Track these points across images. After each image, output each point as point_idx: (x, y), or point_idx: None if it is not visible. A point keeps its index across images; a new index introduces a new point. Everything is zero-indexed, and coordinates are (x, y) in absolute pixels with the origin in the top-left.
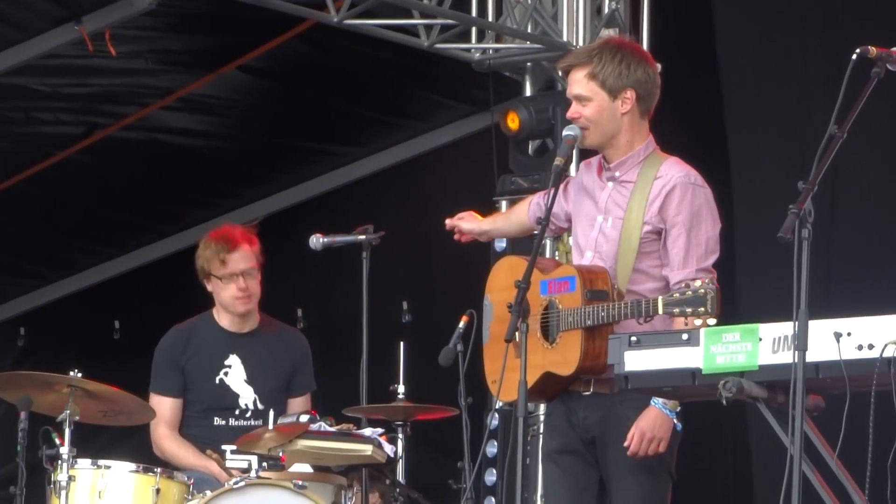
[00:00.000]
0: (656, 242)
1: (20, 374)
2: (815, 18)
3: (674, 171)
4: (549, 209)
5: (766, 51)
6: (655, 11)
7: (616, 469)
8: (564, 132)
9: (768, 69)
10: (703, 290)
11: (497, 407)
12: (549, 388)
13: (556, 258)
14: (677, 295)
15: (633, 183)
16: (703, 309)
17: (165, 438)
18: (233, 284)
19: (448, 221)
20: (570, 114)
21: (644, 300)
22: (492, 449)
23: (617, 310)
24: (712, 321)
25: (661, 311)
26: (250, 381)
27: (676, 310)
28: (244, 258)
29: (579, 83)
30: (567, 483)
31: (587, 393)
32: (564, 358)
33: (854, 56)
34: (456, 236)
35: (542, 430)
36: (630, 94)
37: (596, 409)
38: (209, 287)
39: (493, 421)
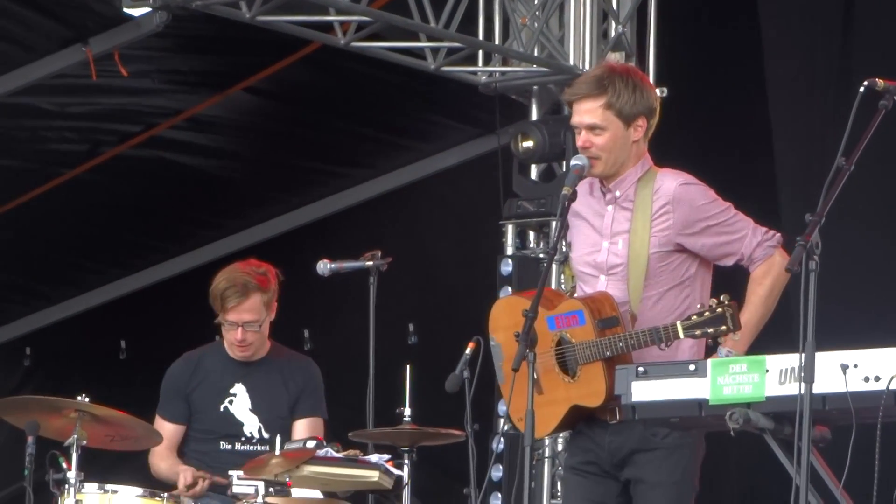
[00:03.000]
0: (668, 255)
1: (27, 399)
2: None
3: (669, 182)
4: (557, 240)
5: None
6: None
7: (642, 481)
8: (572, 162)
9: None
10: (720, 310)
11: (503, 431)
12: (578, 419)
13: (563, 282)
14: (695, 317)
15: (633, 202)
16: (724, 327)
17: (156, 454)
18: (232, 332)
19: None
20: (581, 143)
21: (662, 326)
22: (497, 473)
23: (636, 339)
24: (737, 337)
25: (681, 335)
26: (255, 409)
27: (698, 332)
28: (250, 309)
29: (593, 113)
30: (587, 486)
31: (614, 422)
32: (590, 390)
33: (862, 88)
34: None
35: (546, 454)
36: (642, 121)
37: (622, 434)
38: (217, 319)
39: (499, 445)
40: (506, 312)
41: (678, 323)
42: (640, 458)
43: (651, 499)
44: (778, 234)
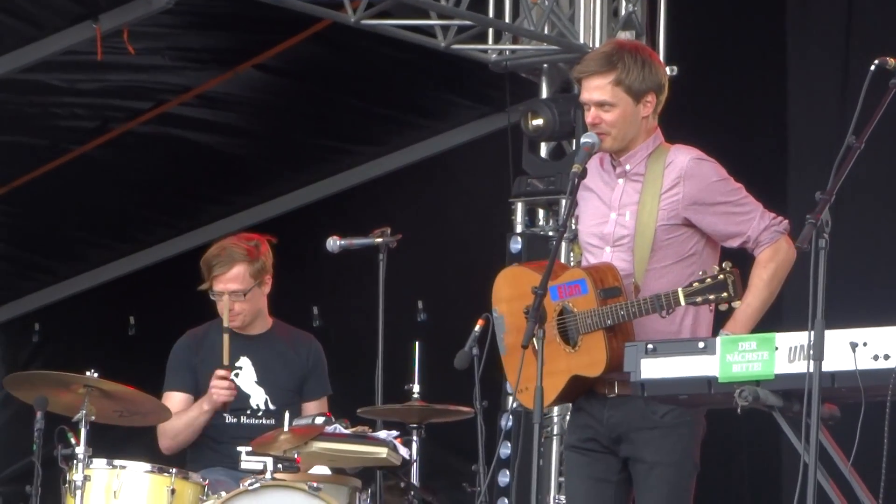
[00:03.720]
0: (675, 228)
1: (36, 374)
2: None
3: (682, 156)
4: (566, 217)
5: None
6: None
7: (641, 460)
8: (582, 140)
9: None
10: (722, 276)
11: (511, 408)
12: (578, 390)
13: (572, 260)
14: (697, 284)
15: (643, 175)
16: (725, 294)
17: (161, 428)
18: (220, 303)
19: None
20: (590, 119)
21: (664, 293)
22: (505, 450)
23: (637, 307)
24: (737, 304)
25: (683, 302)
26: (261, 381)
27: (699, 298)
28: (234, 278)
29: (602, 89)
30: (588, 464)
31: (612, 395)
32: (591, 360)
33: (872, 67)
34: None
35: (555, 432)
36: (651, 97)
37: (620, 409)
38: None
39: (507, 422)
40: (509, 284)
41: (679, 289)
42: (638, 437)
43: (650, 479)
44: (785, 221)
